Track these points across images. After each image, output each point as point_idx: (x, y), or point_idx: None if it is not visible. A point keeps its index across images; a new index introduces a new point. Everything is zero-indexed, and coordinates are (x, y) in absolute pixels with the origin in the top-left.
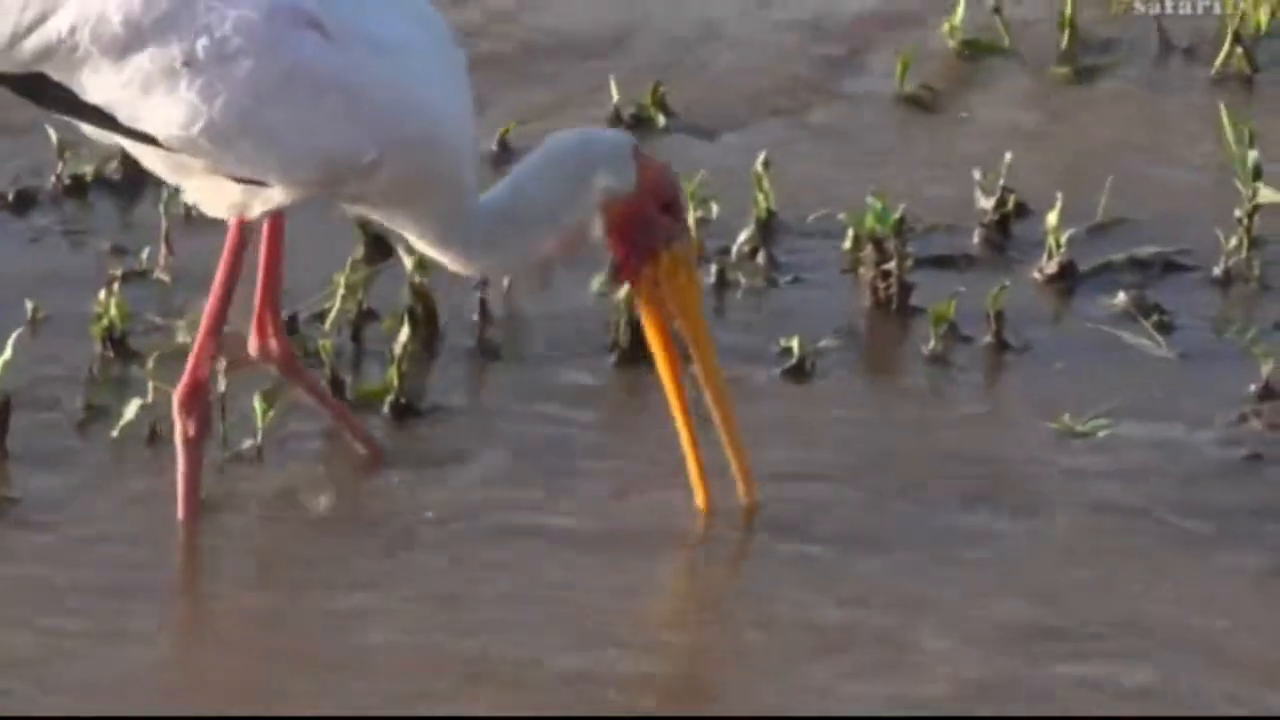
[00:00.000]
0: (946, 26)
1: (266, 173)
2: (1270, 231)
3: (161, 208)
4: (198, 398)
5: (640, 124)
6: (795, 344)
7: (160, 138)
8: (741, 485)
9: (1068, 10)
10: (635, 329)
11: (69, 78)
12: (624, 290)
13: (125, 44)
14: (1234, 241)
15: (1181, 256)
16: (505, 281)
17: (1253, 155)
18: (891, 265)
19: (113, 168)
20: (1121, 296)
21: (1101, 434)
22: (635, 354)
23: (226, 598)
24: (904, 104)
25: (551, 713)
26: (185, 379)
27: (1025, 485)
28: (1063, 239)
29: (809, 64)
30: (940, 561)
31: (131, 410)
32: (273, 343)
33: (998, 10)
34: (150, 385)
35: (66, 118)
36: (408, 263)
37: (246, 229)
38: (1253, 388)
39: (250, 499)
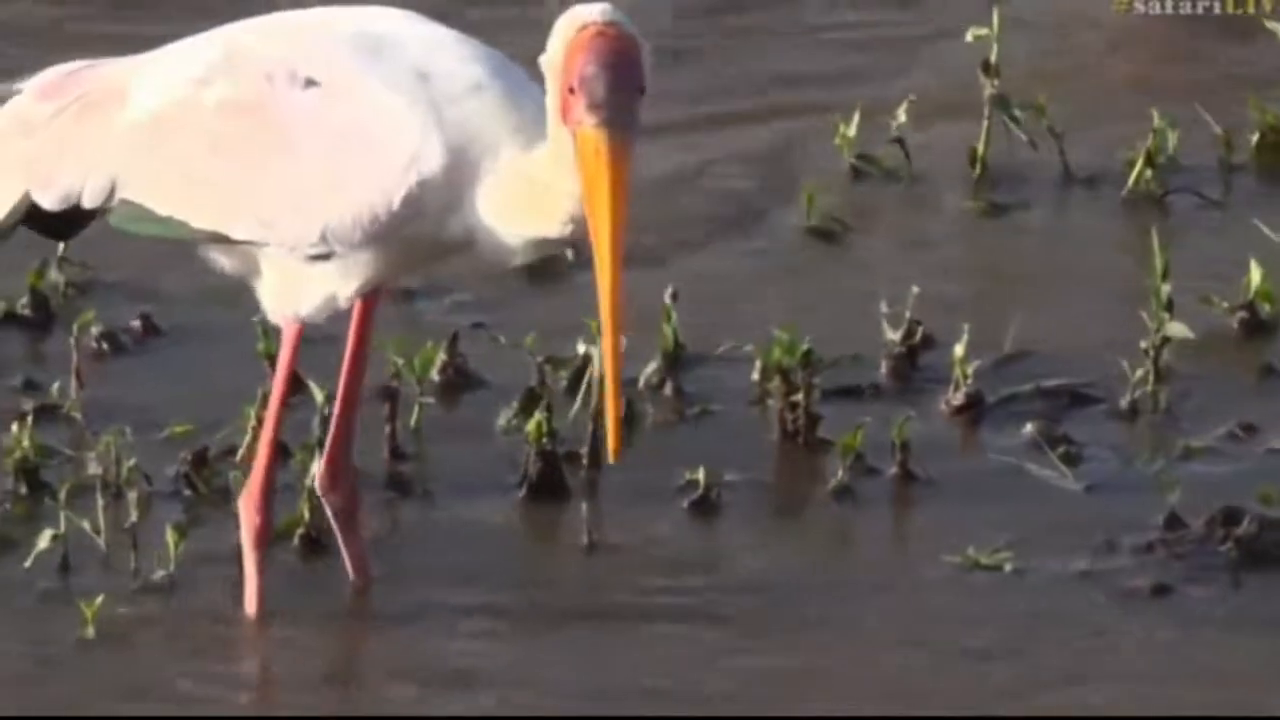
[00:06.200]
0: (839, 139)
1: (318, 240)
2: (1176, 362)
3: (72, 342)
4: (260, 503)
5: (548, 260)
6: (701, 476)
7: (225, 231)
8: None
9: (980, 147)
10: (545, 462)
11: (144, 196)
12: (532, 424)
13: (158, 142)
14: (1140, 373)
15: (1088, 388)
16: (415, 415)
17: (1165, 289)
18: (799, 397)
19: (23, 303)
20: (1028, 428)
21: (1007, 567)
22: (543, 489)
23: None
24: (812, 236)
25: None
26: (249, 486)
27: (932, 620)
28: (969, 370)
29: (717, 199)
30: (847, 696)
31: (44, 541)
32: (336, 491)
33: (900, 140)
34: (62, 516)
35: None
36: (318, 395)
37: (300, 339)
38: (1159, 518)
39: (157, 626)
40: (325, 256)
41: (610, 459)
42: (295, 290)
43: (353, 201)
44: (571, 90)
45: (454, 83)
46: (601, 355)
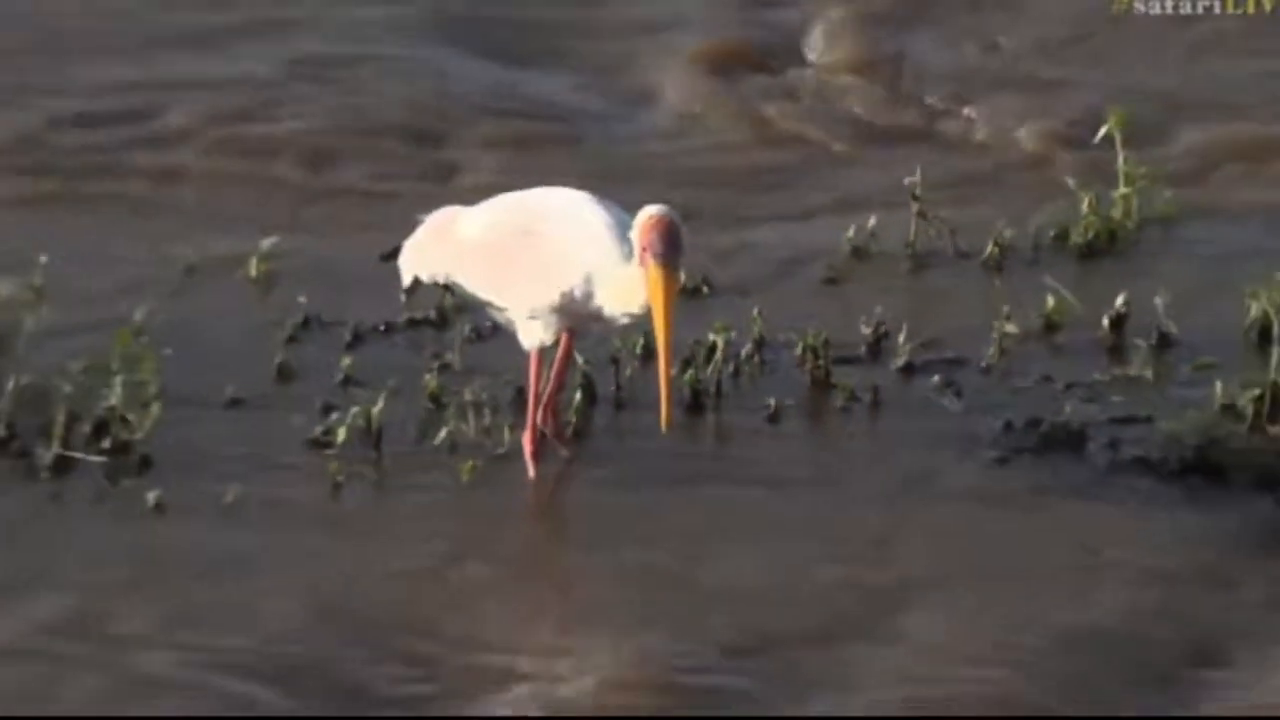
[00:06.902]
0: (845, 240)
1: (529, 310)
2: (1011, 346)
3: (457, 334)
4: (532, 438)
5: (693, 292)
6: (772, 403)
7: (494, 301)
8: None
9: (911, 238)
10: (693, 394)
11: (461, 280)
12: (686, 376)
13: (465, 255)
14: (991, 351)
15: (965, 358)
16: (628, 371)
17: (1005, 309)
18: (821, 362)
19: (433, 314)
20: (935, 378)
21: (922, 449)
22: (691, 408)
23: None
24: (825, 284)
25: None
26: (527, 430)
27: (888, 476)
28: (906, 349)
29: (775, 264)
30: (834, 537)
31: (442, 434)
32: (550, 422)
33: (873, 234)
34: (452, 421)
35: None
36: (579, 357)
37: (542, 353)
38: (1000, 424)
39: (500, 473)
40: (536, 317)
41: (664, 427)
42: (527, 332)
43: (541, 294)
44: (644, 249)
45: (589, 232)
46: (659, 390)
